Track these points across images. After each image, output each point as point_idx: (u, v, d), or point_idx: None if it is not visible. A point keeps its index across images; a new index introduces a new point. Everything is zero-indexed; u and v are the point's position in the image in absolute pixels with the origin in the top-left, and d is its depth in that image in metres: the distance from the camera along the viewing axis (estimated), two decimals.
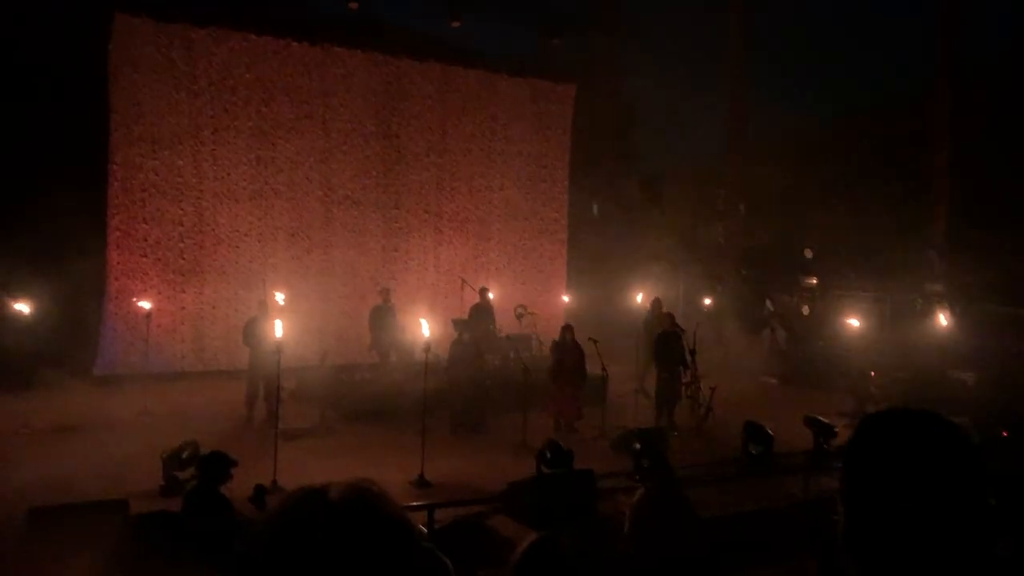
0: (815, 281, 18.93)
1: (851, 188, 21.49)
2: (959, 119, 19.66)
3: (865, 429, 1.38)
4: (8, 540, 7.33)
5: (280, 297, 13.55)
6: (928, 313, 16.22)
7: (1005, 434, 10.39)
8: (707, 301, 19.06)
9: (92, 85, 14.21)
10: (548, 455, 9.26)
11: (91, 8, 14.35)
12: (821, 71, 27.70)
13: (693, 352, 12.83)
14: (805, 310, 18.58)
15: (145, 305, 13.34)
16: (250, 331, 12.07)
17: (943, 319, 15.21)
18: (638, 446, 10.10)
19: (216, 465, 6.57)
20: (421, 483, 9.24)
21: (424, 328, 10.25)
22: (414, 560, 1.15)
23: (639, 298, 15.77)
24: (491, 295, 15.49)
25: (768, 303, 19.48)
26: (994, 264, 16.89)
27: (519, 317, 15.80)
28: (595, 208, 20.35)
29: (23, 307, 11.44)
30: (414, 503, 8.00)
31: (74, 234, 13.50)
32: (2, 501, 8.08)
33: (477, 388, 12.26)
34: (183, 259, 14.83)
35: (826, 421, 10.86)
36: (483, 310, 14.98)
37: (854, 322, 15.16)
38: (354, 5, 16.75)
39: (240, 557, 1.14)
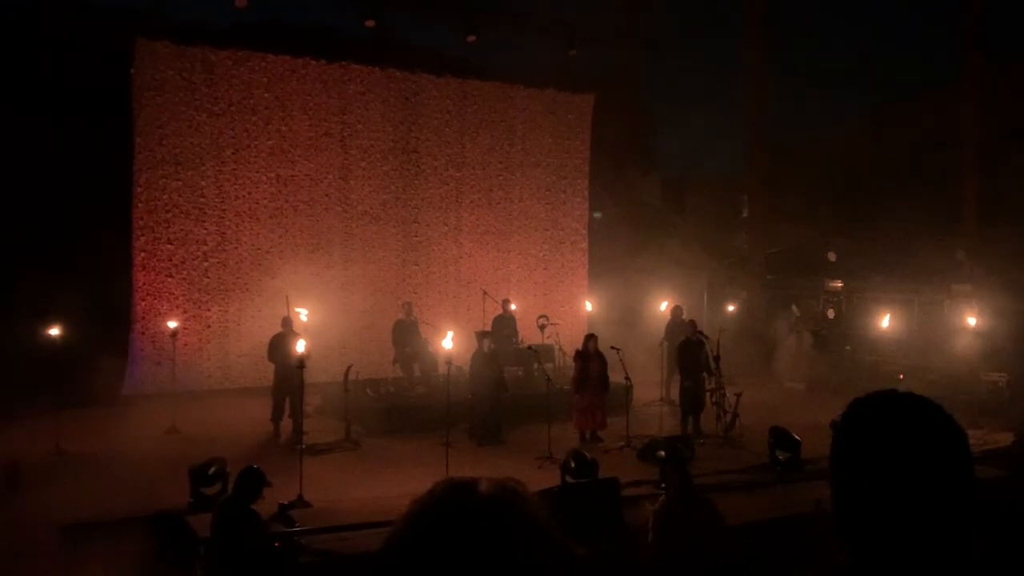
0: (840, 284, 18.71)
1: (875, 189, 21.30)
2: (986, 117, 19.40)
3: (853, 412, 1.38)
4: (39, 557, 7.42)
5: (303, 313, 13.64)
6: (957, 314, 15.95)
7: None
8: (731, 308, 18.93)
9: (115, 109, 14.47)
10: (572, 465, 9.23)
11: (113, 34, 14.62)
12: (844, 72, 27.56)
13: (717, 359, 12.74)
14: (831, 314, 18.36)
15: (171, 324, 13.49)
16: (274, 347, 12.17)
17: (972, 320, 14.96)
18: (663, 454, 10.07)
19: (252, 482, 6.64)
20: None
21: (447, 341, 10.27)
22: (553, 563, 1.16)
23: (663, 306, 15.70)
24: (513, 306, 15.50)
25: (794, 308, 19.30)
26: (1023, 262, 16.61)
27: (541, 327, 15.77)
28: (612, 215, 20.28)
29: (53, 331, 11.61)
30: None
31: (100, 256, 13.72)
32: (33, 519, 8.20)
33: (495, 399, 12.27)
34: (207, 278, 14.98)
35: None
36: (505, 321, 14.98)
37: (884, 321, 14.96)
38: (370, 23, 16.91)
39: (386, 539, 1.16)
